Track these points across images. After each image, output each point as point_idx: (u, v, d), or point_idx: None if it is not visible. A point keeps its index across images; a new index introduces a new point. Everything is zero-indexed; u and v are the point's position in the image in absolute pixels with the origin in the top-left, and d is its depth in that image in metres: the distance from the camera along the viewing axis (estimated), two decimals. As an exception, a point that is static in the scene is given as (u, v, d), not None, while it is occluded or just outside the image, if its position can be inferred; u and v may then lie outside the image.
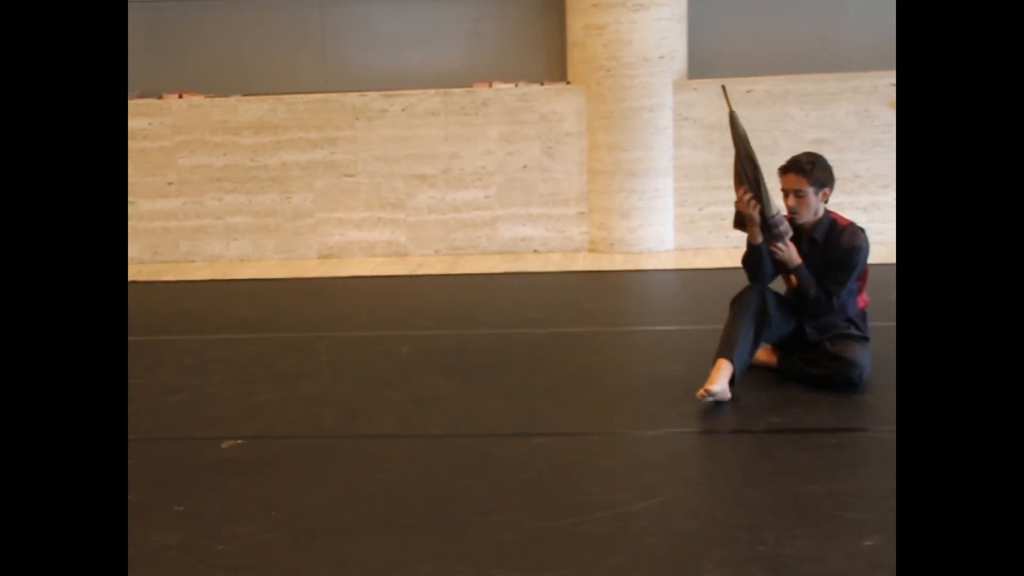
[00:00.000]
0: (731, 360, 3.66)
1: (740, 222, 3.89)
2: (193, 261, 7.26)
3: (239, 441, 3.46)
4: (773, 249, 3.82)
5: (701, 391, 3.60)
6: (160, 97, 7.19)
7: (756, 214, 3.76)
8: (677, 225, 7.04)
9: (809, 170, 3.77)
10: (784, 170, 3.84)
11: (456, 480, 3.08)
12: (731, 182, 7.00)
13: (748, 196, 3.76)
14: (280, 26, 7.56)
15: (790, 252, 3.80)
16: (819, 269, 3.83)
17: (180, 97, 7.17)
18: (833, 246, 3.82)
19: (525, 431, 3.48)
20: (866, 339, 3.87)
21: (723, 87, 3.95)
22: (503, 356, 4.46)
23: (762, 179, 3.73)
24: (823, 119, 6.77)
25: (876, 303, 4.32)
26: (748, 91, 6.88)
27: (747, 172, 3.74)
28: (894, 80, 6.73)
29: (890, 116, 6.75)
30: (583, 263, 6.75)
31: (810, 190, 3.79)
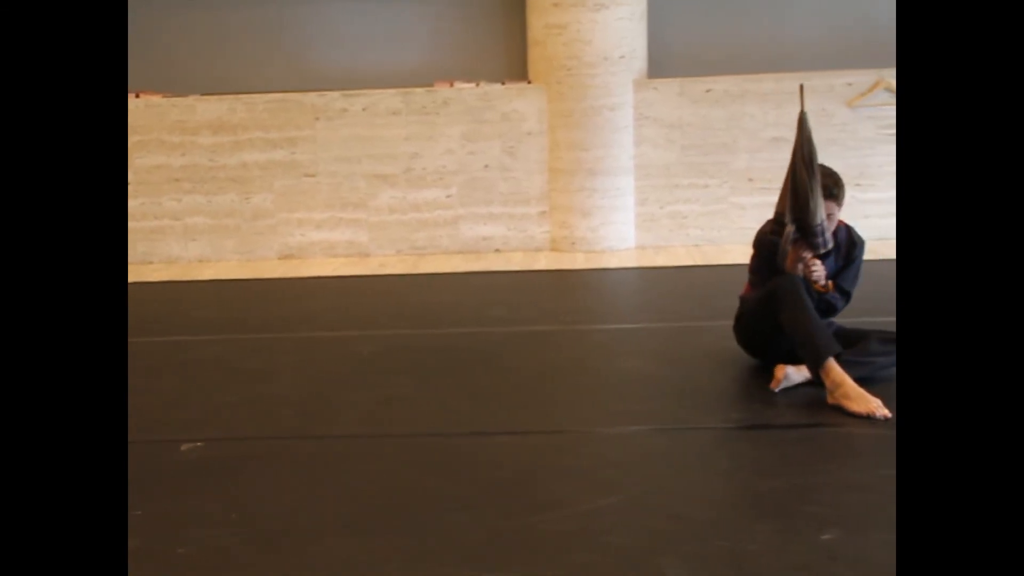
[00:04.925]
0: (838, 354, 3.55)
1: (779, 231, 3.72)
2: (151, 263, 7.18)
3: (199, 444, 3.42)
4: (809, 265, 3.67)
5: (876, 412, 3.40)
6: (116, 96, 7.10)
7: (803, 271, 3.70)
8: (638, 223, 7.08)
9: (837, 194, 3.72)
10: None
11: (419, 480, 3.07)
12: (691, 181, 7.11)
13: (810, 258, 3.66)
14: (238, 24, 7.50)
15: (821, 271, 3.71)
16: (835, 269, 3.86)
17: (137, 96, 7.09)
18: (849, 246, 3.85)
19: (488, 430, 3.48)
20: None
21: (801, 86, 3.72)
22: (466, 355, 4.45)
23: (818, 190, 3.58)
24: (781, 118, 6.84)
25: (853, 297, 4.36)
26: (707, 90, 6.93)
27: (804, 177, 3.57)
28: (850, 80, 6.82)
29: (846, 115, 6.84)
30: (545, 262, 6.76)
31: (836, 209, 3.72)
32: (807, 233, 3.60)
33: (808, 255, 3.67)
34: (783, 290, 3.66)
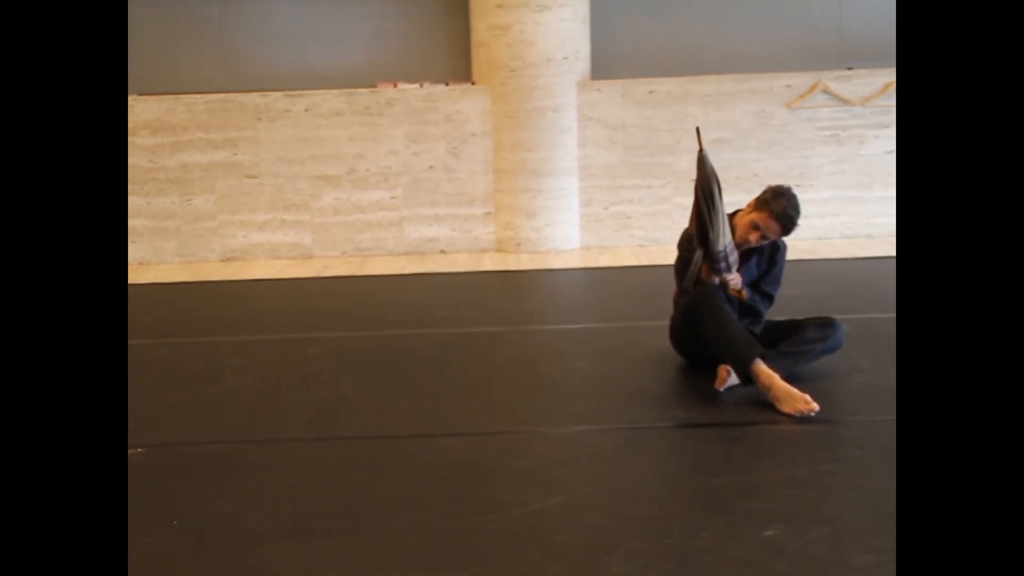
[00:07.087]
0: (762, 356, 3.62)
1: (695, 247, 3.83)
2: (89, 265, 7.05)
3: (140, 450, 3.37)
4: (722, 280, 3.77)
5: (804, 409, 3.46)
6: (52, 96, 6.97)
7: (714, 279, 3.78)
8: (582, 224, 7.12)
9: (791, 228, 3.83)
10: (773, 216, 3.78)
11: (366, 482, 3.06)
12: (635, 182, 7.18)
13: (730, 281, 3.77)
14: (177, 23, 7.39)
15: (737, 280, 3.79)
16: (757, 272, 3.93)
17: (73, 96, 6.96)
18: (772, 250, 3.93)
19: (435, 431, 3.48)
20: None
21: (697, 128, 3.86)
22: (412, 357, 4.44)
23: (718, 221, 3.68)
24: (722, 119, 6.93)
25: (791, 297, 4.44)
26: (650, 92, 7.00)
27: (704, 210, 3.68)
28: (789, 82, 6.94)
29: (785, 116, 6.95)
30: (490, 263, 6.77)
31: (775, 234, 3.84)
32: (711, 259, 3.75)
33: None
34: (699, 304, 3.75)
